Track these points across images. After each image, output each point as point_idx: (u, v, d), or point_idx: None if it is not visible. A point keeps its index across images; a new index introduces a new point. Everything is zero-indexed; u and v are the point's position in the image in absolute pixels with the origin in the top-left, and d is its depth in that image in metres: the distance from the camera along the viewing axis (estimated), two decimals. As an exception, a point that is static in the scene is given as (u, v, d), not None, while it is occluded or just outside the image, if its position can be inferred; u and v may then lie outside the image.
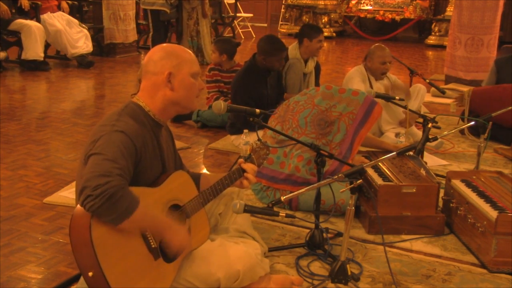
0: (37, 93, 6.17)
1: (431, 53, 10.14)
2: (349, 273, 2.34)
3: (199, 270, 2.10)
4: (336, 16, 11.92)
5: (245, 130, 3.95)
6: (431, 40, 10.79)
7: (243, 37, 11.01)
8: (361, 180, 2.23)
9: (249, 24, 11.69)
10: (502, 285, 2.48)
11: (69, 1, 7.81)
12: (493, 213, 2.60)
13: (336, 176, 2.25)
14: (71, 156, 4.01)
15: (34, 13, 7.16)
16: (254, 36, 11.27)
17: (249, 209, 2.25)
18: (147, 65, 2.11)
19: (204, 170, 3.91)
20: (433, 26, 10.89)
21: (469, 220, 2.75)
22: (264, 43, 4.38)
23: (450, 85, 6.39)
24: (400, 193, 2.90)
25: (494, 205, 2.70)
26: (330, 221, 2.99)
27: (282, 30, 11.92)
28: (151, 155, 2.07)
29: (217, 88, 5.04)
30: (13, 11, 6.91)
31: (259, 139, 2.49)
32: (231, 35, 10.47)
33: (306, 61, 4.94)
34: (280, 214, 2.28)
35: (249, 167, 2.35)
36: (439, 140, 3.79)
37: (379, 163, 3.19)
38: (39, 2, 7.17)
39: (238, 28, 11.32)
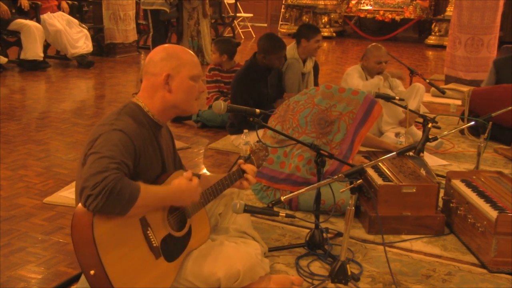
0: (37, 93, 6.17)
1: (431, 53, 10.14)
2: (349, 273, 2.34)
3: (200, 270, 2.10)
4: (336, 16, 11.92)
5: (245, 130, 3.96)
6: (431, 40, 10.79)
7: (243, 37, 11.00)
8: (361, 180, 2.22)
9: (249, 24, 11.69)
10: (502, 285, 2.48)
11: (69, 1, 7.81)
12: (493, 213, 2.60)
13: (336, 176, 2.25)
14: (71, 156, 4.01)
15: (34, 13, 7.17)
16: (254, 36, 11.27)
17: (249, 209, 2.25)
18: (148, 65, 2.11)
19: (204, 170, 3.90)
20: (433, 26, 10.89)
21: (469, 220, 2.75)
22: (264, 41, 4.39)
23: (450, 85, 6.38)
24: (400, 193, 2.90)
25: (494, 205, 2.70)
26: (330, 221, 2.99)
27: (282, 30, 11.92)
28: (151, 155, 2.07)
29: (217, 88, 5.04)
30: (13, 11, 6.92)
31: (258, 140, 2.49)
32: (231, 35, 10.47)
33: (304, 61, 4.94)
34: (280, 214, 2.28)
35: (248, 168, 2.35)
36: (439, 140, 3.79)
37: (379, 163, 3.20)
38: (39, 2, 7.18)
39: (238, 28, 11.32)
